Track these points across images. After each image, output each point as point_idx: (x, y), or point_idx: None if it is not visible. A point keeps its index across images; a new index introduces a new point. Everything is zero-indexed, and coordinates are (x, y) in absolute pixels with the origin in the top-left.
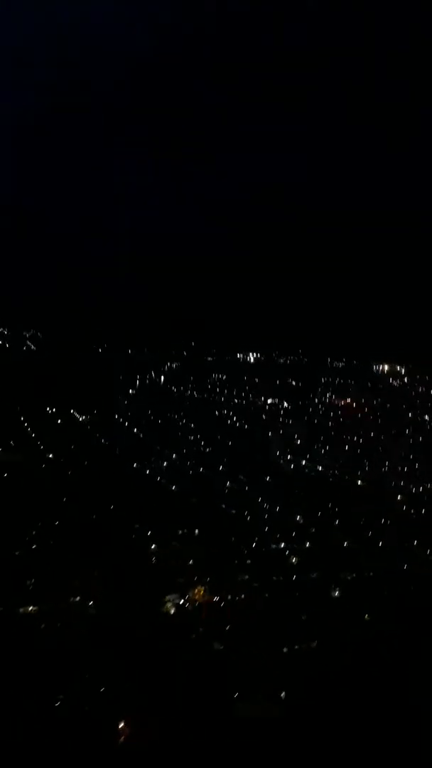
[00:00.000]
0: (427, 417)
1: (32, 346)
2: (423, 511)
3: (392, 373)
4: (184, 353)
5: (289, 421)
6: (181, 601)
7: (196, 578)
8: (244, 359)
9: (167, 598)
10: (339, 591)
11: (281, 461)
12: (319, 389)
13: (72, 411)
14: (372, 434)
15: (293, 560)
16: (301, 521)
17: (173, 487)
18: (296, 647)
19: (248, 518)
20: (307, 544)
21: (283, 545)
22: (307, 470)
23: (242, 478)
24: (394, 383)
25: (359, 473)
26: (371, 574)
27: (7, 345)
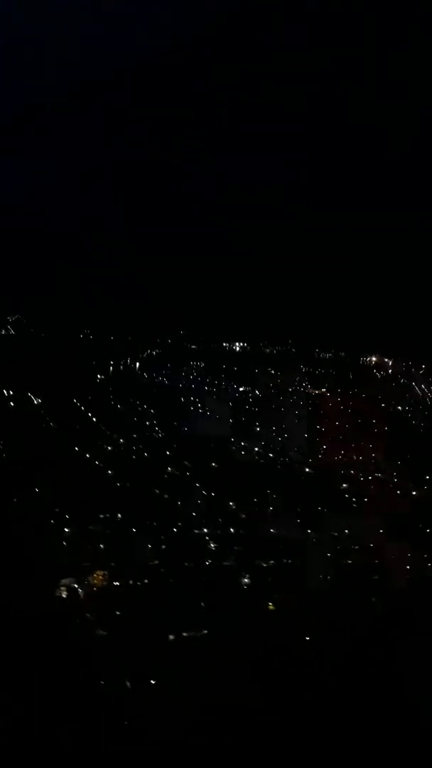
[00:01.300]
0: (401, 409)
1: (11, 331)
2: (365, 501)
3: (379, 365)
4: (168, 341)
5: (253, 408)
6: (75, 586)
7: (101, 563)
8: (230, 348)
9: (63, 581)
10: (249, 578)
11: (232, 447)
12: (297, 378)
13: (29, 394)
14: (336, 424)
15: (211, 545)
16: (234, 507)
17: (108, 472)
18: (184, 634)
19: (178, 504)
20: (231, 530)
21: (206, 531)
22: (257, 457)
23: (187, 463)
24: (378, 375)
25: (310, 461)
26: (289, 561)
27: None
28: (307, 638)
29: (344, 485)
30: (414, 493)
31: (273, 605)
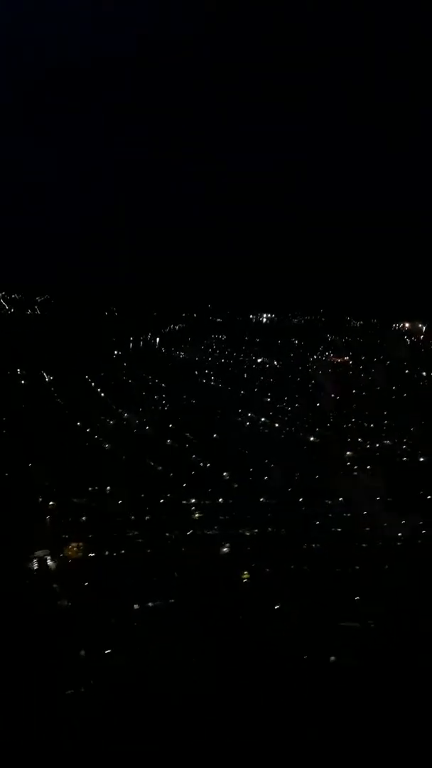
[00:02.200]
0: (424, 375)
1: (38, 311)
2: (363, 472)
3: (413, 331)
4: (194, 315)
5: (268, 380)
6: (49, 557)
7: (80, 534)
8: (257, 320)
9: (36, 553)
10: (229, 548)
11: (238, 419)
12: (321, 348)
13: (42, 372)
14: (351, 393)
15: (196, 516)
16: (227, 477)
17: (106, 446)
18: (149, 604)
19: (170, 474)
20: (220, 500)
21: (193, 501)
22: (261, 427)
23: (188, 435)
24: (410, 341)
25: (316, 431)
26: (271, 530)
27: (12, 310)
28: None
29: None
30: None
31: None
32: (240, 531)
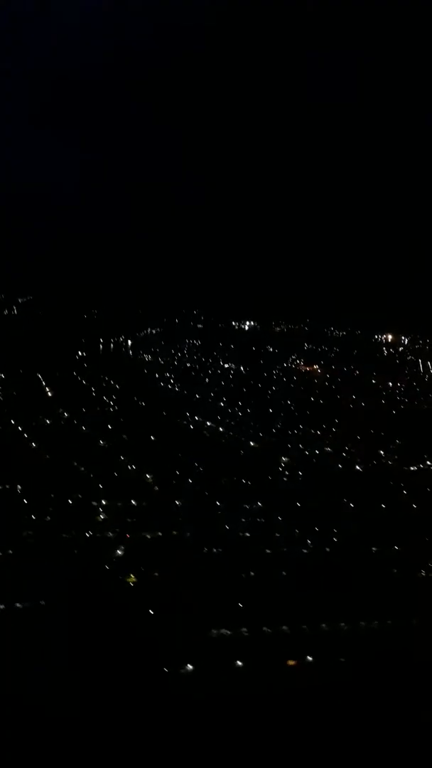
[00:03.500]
0: (390, 386)
1: (15, 311)
2: (297, 476)
3: (394, 343)
4: (175, 320)
5: (226, 385)
6: None
7: None
8: (239, 327)
9: None
10: (123, 551)
11: (183, 422)
12: (294, 356)
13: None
14: (309, 401)
15: (100, 517)
16: (149, 480)
17: (33, 444)
18: (17, 605)
19: (90, 475)
20: (132, 502)
21: (103, 502)
22: (204, 431)
23: (123, 437)
24: (387, 353)
25: (259, 436)
26: (175, 533)
27: None
28: None
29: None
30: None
31: None
32: (143, 534)
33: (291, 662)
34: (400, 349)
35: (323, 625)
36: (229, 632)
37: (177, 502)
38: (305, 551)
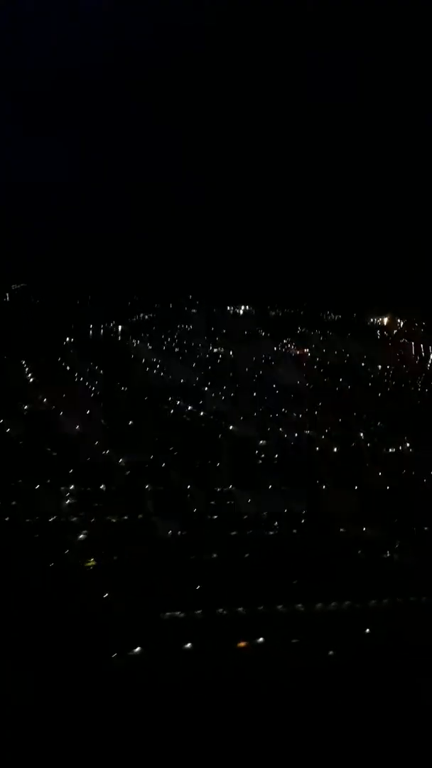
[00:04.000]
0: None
1: (7, 298)
2: (273, 459)
3: (390, 326)
4: (170, 305)
5: (213, 369)
6: None
7: None
8: (234, 311)
9: None
10: (86, 535)
11: (164, 407)
12: (286, 340)
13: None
14: (295, 384)
15: (67, 502)
16: (122, 464)
17: (7, 430)
18: None
19: (62, 460)
20: (102, 486)
21: (72, 487)
22: (184, 415)
23: (102, 422)
24: (381, 336)
25: (240, 420)
26: (141, 516)
27: None
28: None
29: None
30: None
31: None
32: (107, 518)
33: (241, 644)
34: (395, 332)
35: (279, 606)
36: (182, 614)
37: (147, 486)
38: (271, 533)
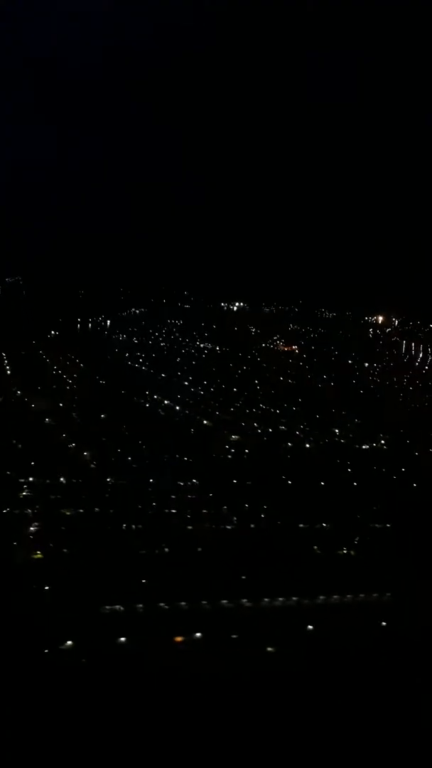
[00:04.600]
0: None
1: None
2: (242, 454)
3: (384, 324)
4: (163, 300)
5: (197, 364)
6: None
7: None
8: (228, 308)
9: None
10: (37, 527)
11: (141, 401)
12: (276, 336)
13: None
14: (278, 380)
15: (23, 494)
16: (86, 456)
17: None
18: None
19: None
20: (61, 479)
21: (30, 479)
22: (159, 410)
23: (73, 415)
24: (373, 334)
25: (215, 414)
26: (98, 510)
27: None
28: None
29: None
30: None
31: None
32: (62, 510)
33: (178, 638)
34: (387, 330)
35: (224, 601)
36: (122, 608)
37: (108, 480)
38: (228, 527)
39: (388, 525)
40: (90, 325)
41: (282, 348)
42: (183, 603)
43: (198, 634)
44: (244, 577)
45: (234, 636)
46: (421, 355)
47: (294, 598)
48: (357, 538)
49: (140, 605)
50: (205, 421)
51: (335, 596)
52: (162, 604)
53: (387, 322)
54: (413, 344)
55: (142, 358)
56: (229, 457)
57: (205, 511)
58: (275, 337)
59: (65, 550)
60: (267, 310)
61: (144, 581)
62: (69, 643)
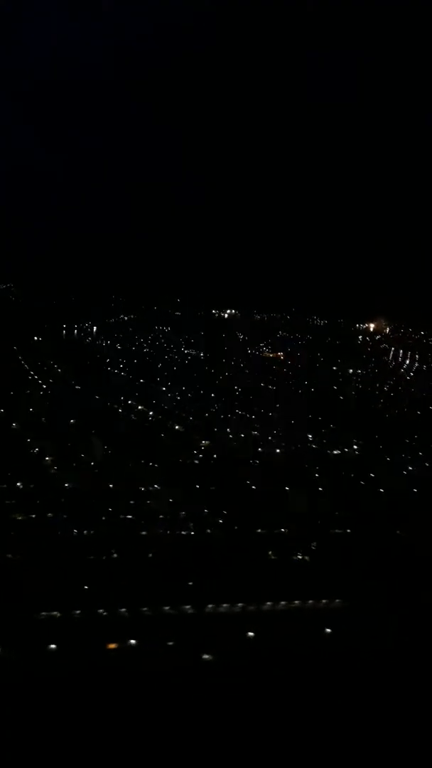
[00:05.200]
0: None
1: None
2: (211, 459)
3: (376, 331)
4: (154, 307)
5: (177, 371)
6: None
7: None
8: (218, 315)
9: None
10: None
11: (114, 406)
12: (263, 344)
13: None
14: (259, 386)
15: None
16: (48, 461)
17: None
18: None
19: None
20: (18, 484)
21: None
22: (132, 416)
23: (42, 420)
24: (361, 340)
25: (187, 420)
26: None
27: None
28: None
29: None
30: None
31: None
32: (14, 515)
33: (111, 645)
34: (377, 337)
35: (166, 608)
36: (58, 614)
37: (66, 485)
38: (183, 533)
39: (348, 531)
40: (75, 331)
41: (267, 355)
42: (123, 609)
43: (132, 641)
44: (191, 583)
45: (170, 643)
46: (408, 362)
47: (239, 605)
48: (314, 544)
49: (77, 611)
50: (177, 426)
51: (282, 602)
52: (101, 611)
53: (379, 329)
54: (401, 351)
55: (122, 364)
56: (196, 462)
57: (162, 516)
58: (261, 344)
59: (9, 556)
60: (258, 317)
61: (86, 587)
62: None
